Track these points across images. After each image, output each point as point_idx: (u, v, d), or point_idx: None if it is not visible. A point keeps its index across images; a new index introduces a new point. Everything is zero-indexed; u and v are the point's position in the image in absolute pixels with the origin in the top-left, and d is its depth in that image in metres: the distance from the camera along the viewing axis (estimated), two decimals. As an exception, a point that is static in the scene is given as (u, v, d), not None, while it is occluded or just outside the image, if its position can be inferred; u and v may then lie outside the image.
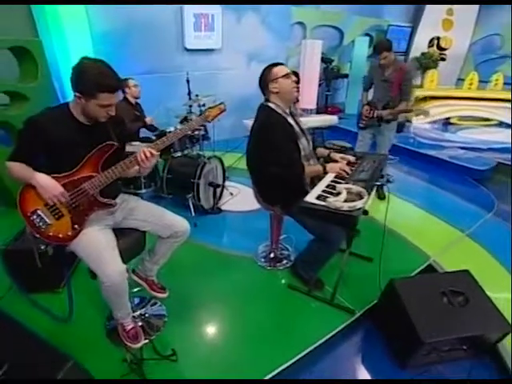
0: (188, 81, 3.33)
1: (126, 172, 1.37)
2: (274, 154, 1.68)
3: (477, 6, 7.65)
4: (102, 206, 1.40)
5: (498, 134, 5.82)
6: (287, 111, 1.82)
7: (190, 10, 3.99)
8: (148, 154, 1.33)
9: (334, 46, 6.92)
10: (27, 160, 1.30)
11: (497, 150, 4.84)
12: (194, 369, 1.57)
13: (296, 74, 3.64)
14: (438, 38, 8.05)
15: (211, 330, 1.81)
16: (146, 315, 1.78)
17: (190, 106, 3.23)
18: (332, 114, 6.46)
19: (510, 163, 4.18)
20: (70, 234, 1.35)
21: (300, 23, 6.14)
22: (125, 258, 1.42)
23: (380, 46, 2.86)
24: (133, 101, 3.11)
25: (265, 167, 1.76)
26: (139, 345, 1.53)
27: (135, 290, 1.80)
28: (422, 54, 7.93)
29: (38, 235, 1.35)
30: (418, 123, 6.22)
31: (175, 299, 1.94)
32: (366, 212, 2.40)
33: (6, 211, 2.97)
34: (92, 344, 1.61)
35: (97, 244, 1.34)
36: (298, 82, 3.67)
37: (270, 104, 1.81)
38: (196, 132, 2.90)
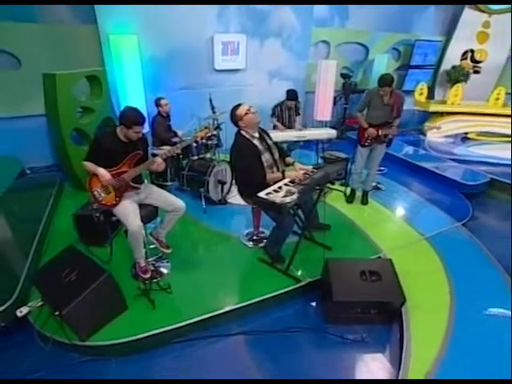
0: (210, 99, 4.19)
1: (147, 169, 2.28)
2: (241, 164, 2.49)
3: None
4: (132, 188, 2.33)
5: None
6: (255, 135, 2.58)
7: (218, 38, 4.94)
8: (160, 165, 2.29)
9: (360, 61, 7.36)
10: (93, 160, 2.25)
11: (491, 164, 5.09)
12: (181, 299, 2.41)
13: (293, 91, 4.32)
14: (473, 51, 8.06)
15: (198, 278, 2.63)
16: (157, 265, 2.68)
17: (214, 120, 4.09)
18: (350, 124, 7.00)
19: (503, 179, 4.45)
20: (114, 203, 2.29)
21: (324, 41, 6.74)
22: (144, 220, 2.37)
23: (384, 81, 3.32)
24: (165, 114, 4.05)
25: (237, 172, 2.57)
26: (147, 276, 2.44)
27: (151, 246, 2.70)
28: (453, 67, 8.00)
29: (96, 203, 2.32)
30: (433, 137, 6.48)
31: (180, 260, 2.82)
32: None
33: (74, 192, 4.11)
34: (122, 276, 2.51)
35: (127, 209, 2.29)
36: (295, 99, 4.34)
37: (242, 131, 2.58)
38: (210, 142, 3.76)
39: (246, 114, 2.47)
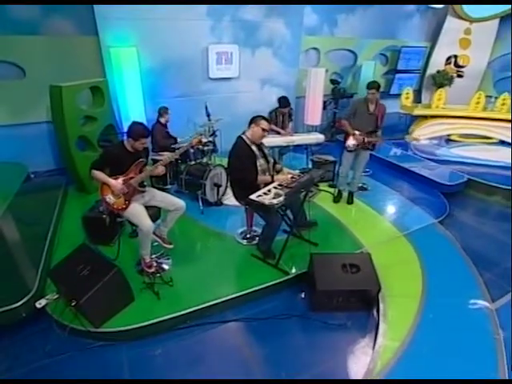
0: (206, 107, 4.46)
1: (150, 174, 2.58)
2: (237, 164, 2.79)
3: (496, 26, 7.92)
4: (139, 192, 2.62)
5: (494, 152, 6.21)
6: (254, 143, 2.88)
7: (213, 49, 5.25)
8: (161, 170, 2.59)
9: (349, 66, 7.69)
10: (102, 169, 2.52)
11: (468, 164, 5.50)
12: (182, 290, 2.69)
13: (285, 98, 4.61)
14: (456, 56, 8.45)
15: (197, 273, 2.91)
16: (159, 261, 2.96)
17: (210, 127, 4.37)
18: (340, 127, 7.32)
19: (478, 179, 4.81)
20: (124, 206, 2.57)
21: (314, 48, 7.05)
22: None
23: (372, 85, 3.68)
24: (164, 122, 4.31)
25: (232, 171, 2.88)
26: (151, 270, 2.72)
27: (154, 244, 2.97)
28: (437, 71, 8.38)
29: (109, 207, 2.58)
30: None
31: (180, 256, 3.09)
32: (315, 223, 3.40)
33: (78, 194, 4.36)
34: (128, 272, 2.78)
35: (137, 211, 2.57)
36: (288, 105, 4.63)
37: (243, 136, 2.88)
38: (206, 147, 4.05)
39: (263, 128, 2.80)
